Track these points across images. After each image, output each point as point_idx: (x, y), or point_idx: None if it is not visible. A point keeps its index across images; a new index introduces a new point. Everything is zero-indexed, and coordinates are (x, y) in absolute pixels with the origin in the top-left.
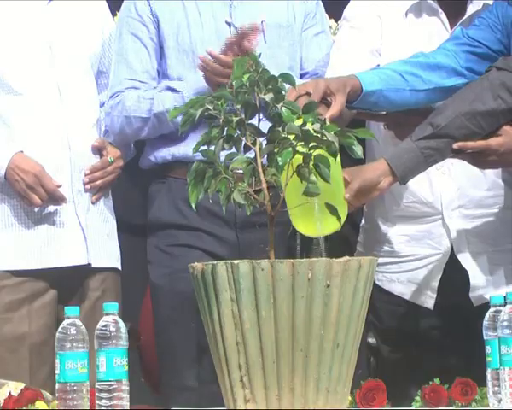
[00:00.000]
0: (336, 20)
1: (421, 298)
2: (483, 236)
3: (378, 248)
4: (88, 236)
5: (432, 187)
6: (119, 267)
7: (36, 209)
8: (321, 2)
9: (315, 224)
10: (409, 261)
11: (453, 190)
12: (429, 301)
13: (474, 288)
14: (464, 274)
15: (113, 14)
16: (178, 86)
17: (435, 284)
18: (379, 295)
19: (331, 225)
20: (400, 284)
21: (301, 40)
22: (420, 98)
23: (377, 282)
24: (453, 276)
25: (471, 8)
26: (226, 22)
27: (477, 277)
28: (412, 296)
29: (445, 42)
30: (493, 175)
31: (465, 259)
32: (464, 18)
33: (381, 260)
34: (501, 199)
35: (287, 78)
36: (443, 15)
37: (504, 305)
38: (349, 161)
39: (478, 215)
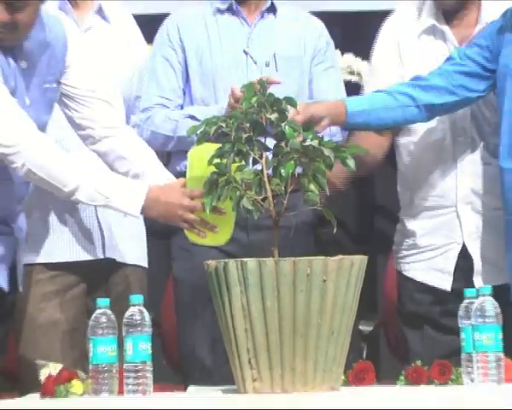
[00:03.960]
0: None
1: (439, 282)
2: (491, 228)
3: (404, 242)
4: (107, 234)
5: (449, 183)
6: (144, 265)
7: (64, 212)
8: (331, 41)
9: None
10: (428, 251)
11: (467, 188)
12: (446, 283)
13: (478, 273)
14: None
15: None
16: (199, 115)
17: (451, 268)
18: (404, 284)
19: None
20: (422, 271)
21: (312, 73)
22: (413, 113)
23: (403, 272)
24: (466, 263)
25: (482, 17)
26: (244, 51)
27: (481, 263)
28: (432, 281)
29: (443, 63)
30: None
31: (472, 247)
32: (472, 31)
33: (405, 252)
34: None
35: (289, 100)
36: (453, 38)
37: (477, 297)
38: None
39: (488, 209)
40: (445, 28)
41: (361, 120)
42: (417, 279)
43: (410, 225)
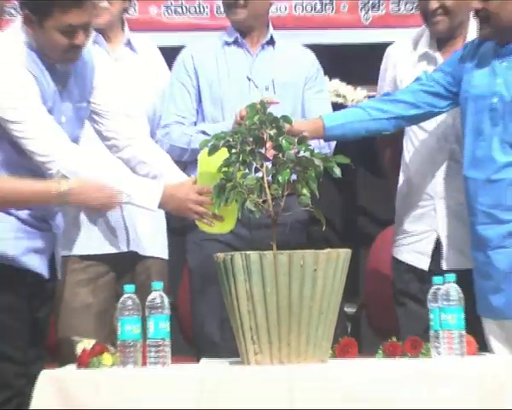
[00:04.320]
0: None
1: (418, 262)
2: (459, 219)
3: (396, 228)
4: (131, 231)
5: (431, 181)
6: (165, 257)
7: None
8: (321, 69)
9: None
10: (412, 236)
11: (443, 185)
12: (424, 264)
13: (445, 256)
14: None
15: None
16: (210, 131)
17: (429, 251)
18: (395, 266)
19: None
20: (406, 253)
21: (305, 96)
22: (383, 124)
23: (394, 255)
24: (441, 249)
25: None
26: (247, 77)
27: (449, 248)
28: (413, 261)
29: (412, 82)
30: None
31: (443, 234)
32: None
33: (396, 237)
34: None
35: (285, 118)
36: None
37: (443, 284)
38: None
39: (459, 204)
40: (437, 54)
41: (338, 133)
42: (403, 260)
43: (402, 213)
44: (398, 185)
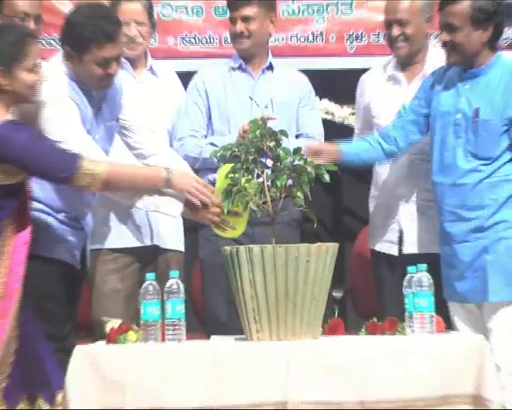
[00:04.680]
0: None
1: (388, 249)
2: (420, 213)
3: (371, 223)
4: (154, 228)
5: (395, 183)
6: (182, 249)
7: (123, 213)
8: (313, 90)
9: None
10: (383, 228)
11: (405, 186)
12: (393, 250)
13: (406, 242)
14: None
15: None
16: (218, 143)
17: (395, 239)
18: (372, 256)
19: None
20: (380, 243)
21: (299, 113)
22: (379, 155)
23: (370, 246)
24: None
25: (425, 68)
26: (249, 97)
27: (409, 235)
28: (385, 249)
29: (395, 119)
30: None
31: (405, 224)
32: (416, 78)
33: (370, 230)
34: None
35: (282, 132)
36: (405, 81)
37: (416, 272)
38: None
39: (421, 200)
40: (400, 75)
41: (349, 159)
42: (377, 250)
43: (374, 212)
44: (371, 190)
